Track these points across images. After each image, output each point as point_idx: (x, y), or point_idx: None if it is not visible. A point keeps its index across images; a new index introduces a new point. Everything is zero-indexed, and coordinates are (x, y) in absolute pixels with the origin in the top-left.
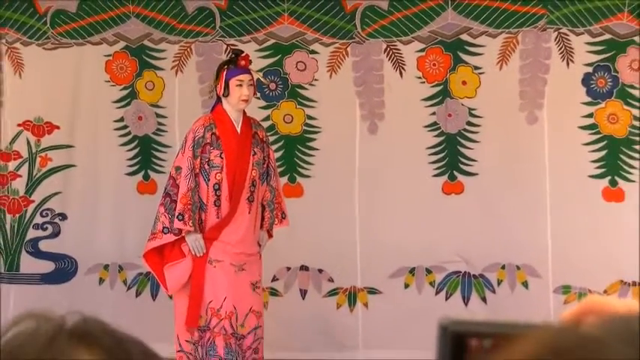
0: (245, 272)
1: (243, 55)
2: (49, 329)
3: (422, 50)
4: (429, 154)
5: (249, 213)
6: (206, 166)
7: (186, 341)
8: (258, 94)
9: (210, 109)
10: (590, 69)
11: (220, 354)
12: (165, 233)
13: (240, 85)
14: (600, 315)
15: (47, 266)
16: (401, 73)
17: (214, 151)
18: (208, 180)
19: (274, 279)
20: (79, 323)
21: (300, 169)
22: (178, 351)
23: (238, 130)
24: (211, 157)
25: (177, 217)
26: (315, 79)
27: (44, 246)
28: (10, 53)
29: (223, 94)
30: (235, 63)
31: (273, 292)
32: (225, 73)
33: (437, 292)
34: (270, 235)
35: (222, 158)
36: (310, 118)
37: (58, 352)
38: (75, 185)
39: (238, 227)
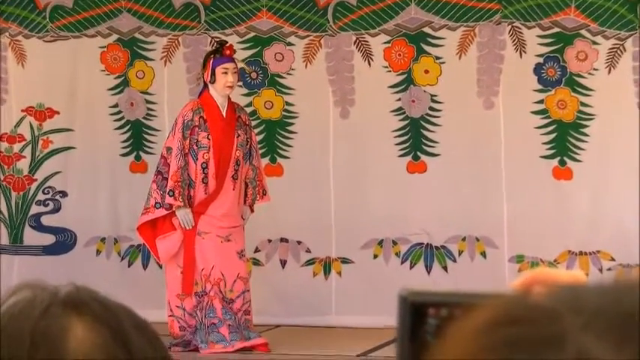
0: (231, 242)
1: (227, 45)
2: (44, 298)
3: (388, 42)
4: (395, 137)
5: (233, 189)
6: (194, 147)
7: (177, 307)
8: (241, 82)
9: (197, 95)
10: (540, 59)
11: (219, 315)
12: (157, 208)
13: (226, 73)
14: (547, 285)
15: (48, 239)
16: (369, 63)
17: (202, 133)
18: (197, 159)
19: (257, 250)
20: (71, 292)
21: (280, 151)
22: (170, 316)
23: (224, 114)
24: (199, 138)
25: (168, 194)
26: (292, 69)
27: (46, 220)
28: (14, 45)
29: (210, 81)
30: (221, 52)
31: (256, 262)
32: (211, 61)
33: (402, 262)
34: (252, 210)
35: (209, 139)
36: (288, 104)
37: (53, 319)
38: (74, 165)
39: (224, 202)
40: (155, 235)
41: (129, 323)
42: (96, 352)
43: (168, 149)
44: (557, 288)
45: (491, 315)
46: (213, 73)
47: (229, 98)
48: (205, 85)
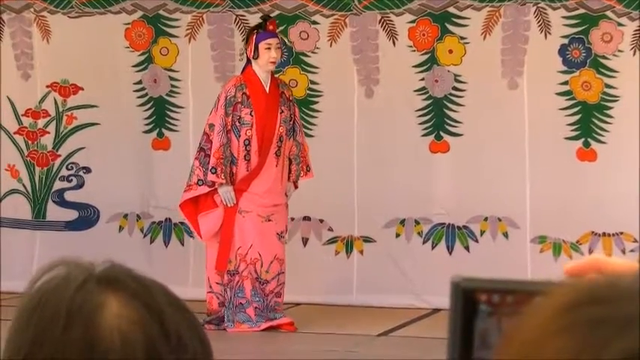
0: (272, 223)
1: (271, 20)
2: (79, 275)
3: (413, 21)
4: (418, 116)
5: (276, 166)
6: (237, 123)
7: (217, 283)
8: None
9: (240, 71)
10: (565, 40)
11: (247, 296)
12: (199, 185)
13: (269, 48)
14: (603, 272)
15: (71, 214)
16: (394, 42)
17: (245, 109)
18: (239, 136)
19: None
20: (106, 269)
21: (304, 130)
22: (209, 292)
23: (267, 89)
24: (242, 114)
25: (210, 171)
26: (317, 48)
27: (69, 196)
28: (39, 21)
29: (253, 57)
30: (264, 28)
31: None
32: (254, 37)
33: (424, 242)
34: (296, 187)
35: (252, 116)
36: (313, 83)
37: (88, 295)
38: (98, 141)
39: (266, 179)
40: (197, 212)
41: (163, 300)
42: (131, 327)
43: (211, 126)
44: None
45: (574, 295)
46: (256, 49)
47: (272, 74)
48: (248, 61)
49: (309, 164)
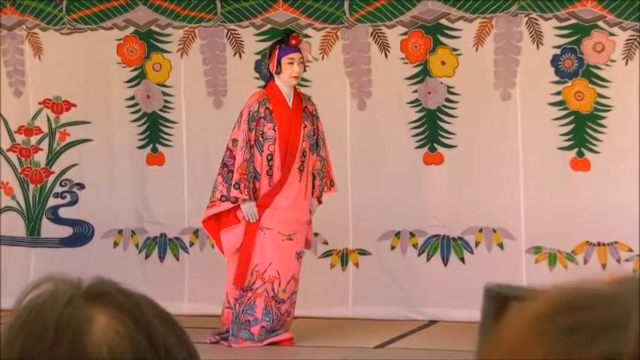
0: (292, 242)
1: (294, 35)
2: (66, 290)
3: (405, 34)
4: (412, 128)
5: (299, 181)
6: (260, 139)
7: (235, 299)
8: (258, 75)
9: (263, 86)
10: (558, 51)
11: (258, 315)
12: (223, 201)
13: (292, 63)
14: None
15: (66, 231)
16: (386, 55)
17: (268, 125)
18: (262, 151)
19: None
20: (94, 284)
21: None
22: (227, 307)
23: (290, 104)
24: (265, 129)
25: (234, 186)
26: (309, 61)
27: (63, 213)
28: (30, 38)
29: (276, 72)
30: (287, 42)
31: None
32: (277, 51)
33: (419, 254)
34: (320, 202)
35: (275, 131)
36: None
37: (76, 310)
38: (91, 158)
39: (289, 195)
40: (219, 227)
41: (151, 313)
42: (119, 341)
43: (234, 141)
44: (618, 277)
45: (551, 303)
46: (278, 64)
47: (295, 88)
48: (271, 76)
49: (332, 179)
